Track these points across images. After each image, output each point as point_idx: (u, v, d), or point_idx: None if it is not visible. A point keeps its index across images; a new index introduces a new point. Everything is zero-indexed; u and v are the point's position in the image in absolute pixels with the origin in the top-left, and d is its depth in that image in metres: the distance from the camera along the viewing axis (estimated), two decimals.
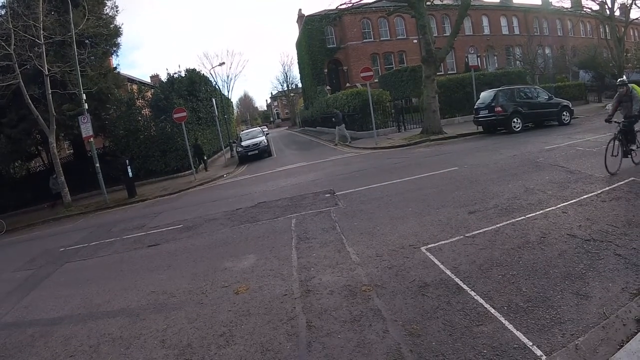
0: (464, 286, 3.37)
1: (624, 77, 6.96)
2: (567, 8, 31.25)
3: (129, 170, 13.65)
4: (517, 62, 35.34)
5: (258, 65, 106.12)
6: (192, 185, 13.90)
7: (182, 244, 6.41)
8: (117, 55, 30.12)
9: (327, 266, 4.30)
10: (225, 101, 34.10)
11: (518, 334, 2.64)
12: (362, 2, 17.40)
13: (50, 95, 13.38)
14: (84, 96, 13.61)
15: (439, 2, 23.20)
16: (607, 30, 23.02)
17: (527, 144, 10.37)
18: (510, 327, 2.72)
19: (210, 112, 23.05)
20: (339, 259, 4.44)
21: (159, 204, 11.60)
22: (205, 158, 19.33)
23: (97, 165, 13.48)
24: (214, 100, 22.55)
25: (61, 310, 4.56)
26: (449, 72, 31.95)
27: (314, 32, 33.05)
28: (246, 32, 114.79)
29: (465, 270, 3.66)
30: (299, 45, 41.22)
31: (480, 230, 4.56)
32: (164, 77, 23.39)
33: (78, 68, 13.50)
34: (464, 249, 4.12)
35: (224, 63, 35.03)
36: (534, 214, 4.83)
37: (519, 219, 4.75)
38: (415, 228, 5.00)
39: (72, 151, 22.11)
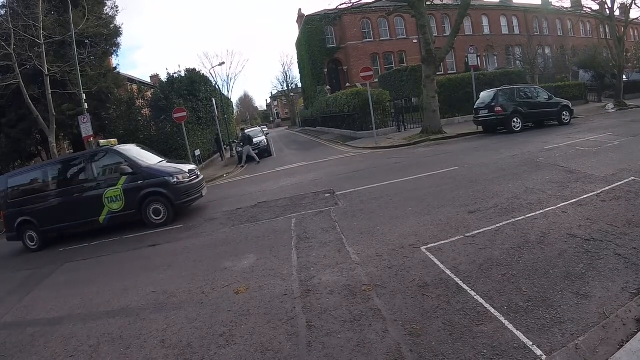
0: (464, 286, 3.37)
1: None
2: (566, 8, 31.16)
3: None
4: (517, 61, 35.35)
5: (258, 65, 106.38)
6: None
7: (182, 243, 6.41)
8: (117, 55, 30.19)
9: (327, 266, 4.30)
10: (225, 101, 34.09)
11: (518, 333, 2.64)
12: (362, 2, 17.40)
13: (50, 95, 13.37)
14: (84, 96, 13.62)
15: (439, 2, 23.16)
16: (607, 30, 23.00)
17: (527, 143, 10.37)
18: (510, 326, 2.72)
19: (210, 112, 23.05)
20: (339, 259, 4.43)
21: None
22: (223, 149, 21.48)
23: None
24: (213, 100, 22.55)
25: (61, 310, 4.56)
26: (448, 72, 31.97)
27: (314, 31, 33.08)
28: (246, 32, 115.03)
29: (465, 270, 3.66)
30: (299, 45, 41.24)
31: (480, 230, 4.56)
32: (163, 77, 23.44)
33: (78, 68, 13.49)
34: (464, 249, 4.12)
35: (223, 63, 35.10)
36: (534, 214, 4.83)
37: (519, 218, 4.75)
38: (415, 228, 5.00)
39: (72, 151, 22.11)
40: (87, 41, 15.57)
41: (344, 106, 20.89)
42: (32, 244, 8.35)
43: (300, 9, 47.61)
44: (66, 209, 8.03)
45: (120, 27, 18.42)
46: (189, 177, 8.25)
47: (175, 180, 7.90)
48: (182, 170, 8.28)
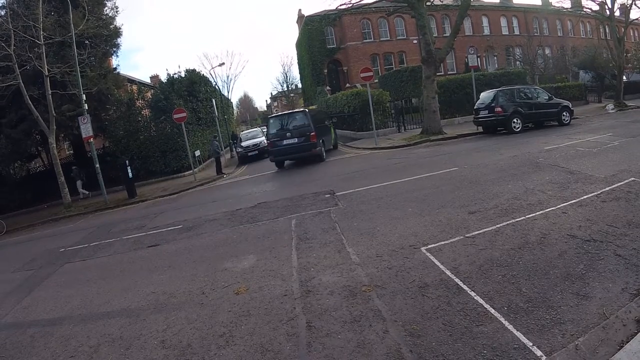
0: (464, 286, 3.37)
1: None
2: (567, 8, 31.22)
3: (129, 170, 13.64)
4: (517, 62, 35.33)
5: (258, 66, 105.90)
6: (192, 186, 13.90)
7: (182, 244, 6.41)
8: (117, 56, 30.17)
9: (327, 266, 4.30)
10: (225, 102, 34.09)
11: (518, 334, 2.64)
12: (361, 2, 17.38)
13: (50, 95, 13.39)
14: (84, 97, 13.62)
15: (439, 2, 23.12)
16: (607, 31, 23.03)
17: (527, 144, 10.37)
18: (510, 327, 2.72)
19: (210, 113, 23.06)
20: (339, 260, 4.43)
21: (159, 205, 11.60)
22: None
23: (97, 165, 13.48)
24: (213, 100, 22.57)
25: (61, 310, 4.56)
26: (448, 73, 31.95)
27: (314, 32, 33.01)
28: (246, 32, 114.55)
29: (465, 270, 3.66)
30: (299, 45, 41.21)
31: (480, 231, 4.56)
32: (163, 78, 23.42)
33: (78, 69, 13.50)
34: (464, 250, 4.12)
35: (223, 63, 34.84)
36: (534, 215, 4.83)
37: (519, 219, 4.75)
38: (415, 228, 5.00)
39: (72, 152, 22.13)
40: (87, 42, 15.58)
41: (344, 107, 20.87)
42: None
43: (300, 10, 47.45)
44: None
45: (120, 28, 18.44)
46: None
47: None
48: None
